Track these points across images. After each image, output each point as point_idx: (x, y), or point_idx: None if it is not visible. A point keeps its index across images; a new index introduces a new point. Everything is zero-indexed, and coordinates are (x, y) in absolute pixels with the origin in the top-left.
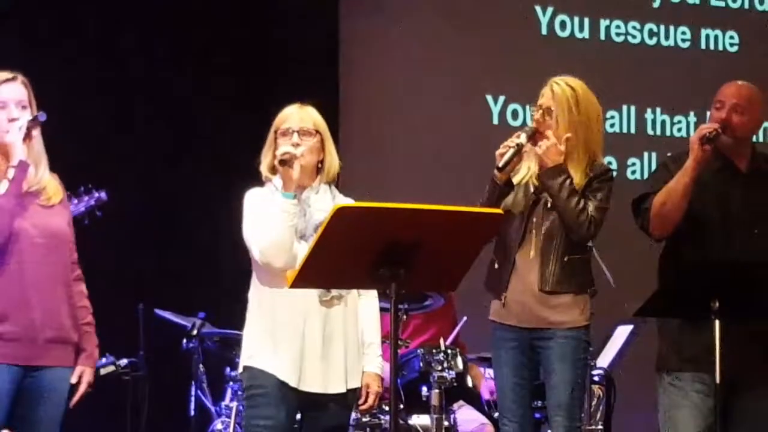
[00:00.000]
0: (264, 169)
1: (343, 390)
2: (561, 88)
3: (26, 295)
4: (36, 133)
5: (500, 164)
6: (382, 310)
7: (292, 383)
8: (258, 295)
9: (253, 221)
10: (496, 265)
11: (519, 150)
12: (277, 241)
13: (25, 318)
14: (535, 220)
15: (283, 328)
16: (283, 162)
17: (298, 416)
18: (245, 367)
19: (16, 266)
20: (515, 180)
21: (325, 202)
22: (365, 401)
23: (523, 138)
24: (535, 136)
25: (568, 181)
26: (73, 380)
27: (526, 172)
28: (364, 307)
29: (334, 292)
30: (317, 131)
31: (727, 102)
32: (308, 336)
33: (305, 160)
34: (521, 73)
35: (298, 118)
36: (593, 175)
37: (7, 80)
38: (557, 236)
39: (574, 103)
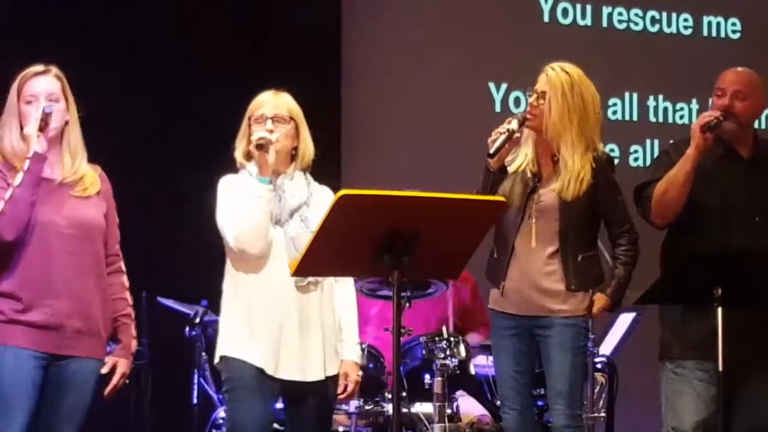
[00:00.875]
0: (238, 155)
1: (321, 377)
2: (555, 73)
3: (54, 285)
4: (72, 124)
5: (491, 150)
6: (384, 297)
7: (269, 371)
8: (233, 283)
9: (228, 208)
10: (495, 254)
11: (510, 136)
12: (252, 227)
13: (52, 307)
14: (534, 208)
15: (260, 316)
16: (259, 147)
17: (279, 405)
18: (222, 357)
19: (43, 256)
20: (512, 167)
21: (299, 188)
22: (344, 390)
23: (514, 124)
24: (525, 122)
25: (619, 283)
26: (105, 370)
27: (522, 159)
28: (341, 294)
29: (311, 278)
30: (291, 118)
31: (729, 89)
32: (285, 323)
33: (280, 145)
34: (523, 61)
35: (272, 104)
36: (598, 170)
37: (38, 74)
38: (571, 233)
39: (569, 87)
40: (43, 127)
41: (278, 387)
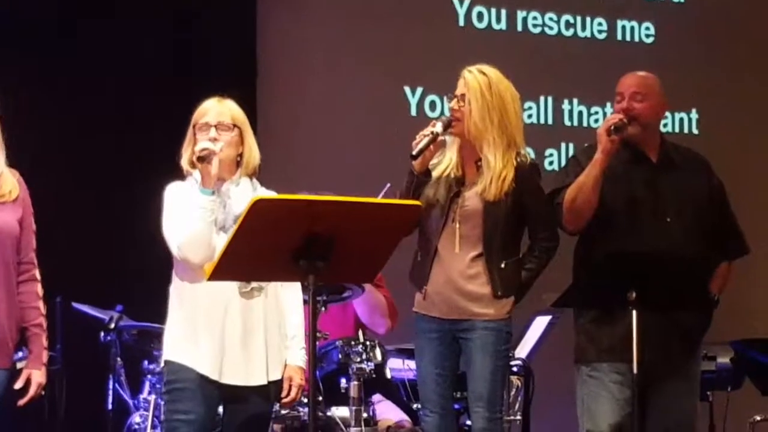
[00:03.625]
0: (184, 163)
1: (264, 382)
2: (473, 75)
3: None
4: None
5: (414, 152)
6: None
7: (213, 376)
8: (178, 289)
9: (172, 216)
10: (419, 257)
11: (434, 139)
12: (194, 237)
13: None
14: (457, 212)
15: (203, 322)
16: (200, 159)
17: (221, 409)
18: (166, 362)
19: None
20: (436, 172)
21: (245, 194)
22: (288, 394)
23: (438, 127)
24: (450, 126)
25: (528, 273)
26: (19, 385)
27: (447, 163)
28: (287, 298)
29: (254, 283)
30: (235, 125)
31: (626, 92)
32: (228, 328)
33: (223, 155)
34: (439, 65)
35: (216, 112)
36: (523, 176)
37: None
38: (495, 238)
39: (486, 87)
40: None
41: (221, 392)
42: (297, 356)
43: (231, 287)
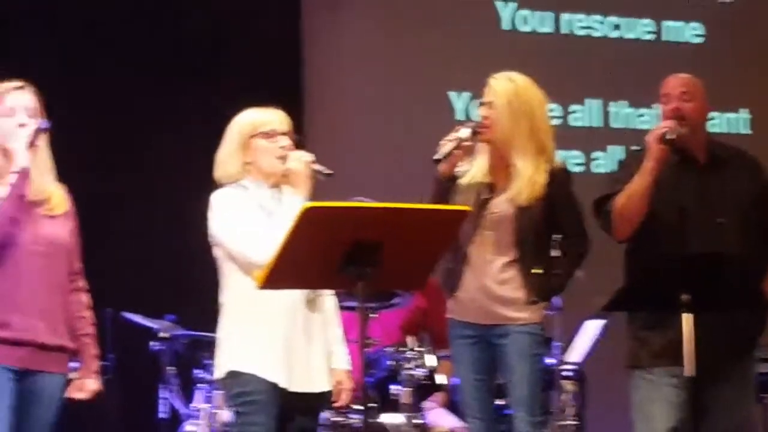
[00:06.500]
0: (232, 169)
1: (327, 388)
2: (499, 82)
3: (24, 302)
4: (42, 142)
5: (436, 156)
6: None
7: (282, 384)
8: (236, 298)
9: (235, 222)
10: (450, 264)
11: (458, 144)
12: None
13: (23, 323)
14: (488, 218)
15: (268, 330)
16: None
17: None
18: (230, 372)
19: (15, 273)
20: (467, 178)
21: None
22: (339, 398)
23: (463, 132)
24: (478, 132)
25: (559, 278)
26: (73, 394)
27: (477, 170)
28: (327, 305)
29: (314, 292)
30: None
31: (673, 92)
32: (293, 337)
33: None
34: (483, 70)
35: (279, 120)
36: (554, 182)
37: (17, 88)
38: (528, 243)
39: (513, 93)
40: (32, 142)
41: (289, 400)
42: (343, 360)
43: (293, 295)
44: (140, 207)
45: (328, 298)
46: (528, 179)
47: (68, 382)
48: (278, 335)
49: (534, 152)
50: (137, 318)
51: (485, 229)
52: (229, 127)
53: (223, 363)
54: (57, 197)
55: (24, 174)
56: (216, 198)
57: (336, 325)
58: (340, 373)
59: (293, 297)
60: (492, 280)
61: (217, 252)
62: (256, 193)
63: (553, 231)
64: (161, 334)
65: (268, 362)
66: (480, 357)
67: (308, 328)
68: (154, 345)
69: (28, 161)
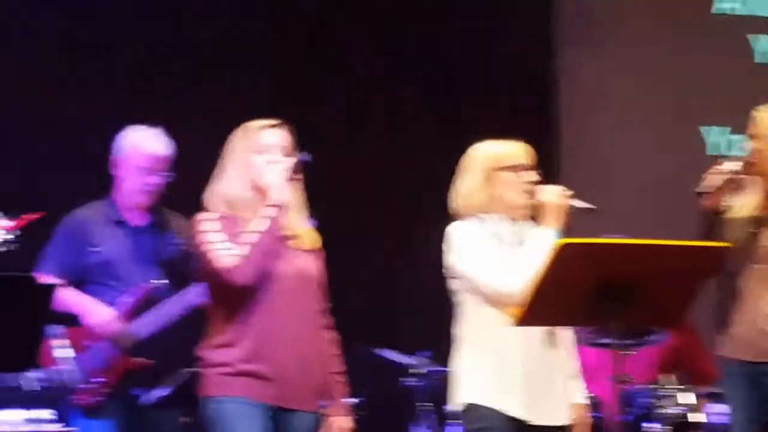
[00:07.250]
0: (474, 202)
1: (567, 422)
2: (764, 114)
3: (279, 337)
4: (299, 176)
5: (698, 189)
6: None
7: (524, 417)
8: (475, 330)
9: (486, 256)
10: (720, 300)
11: (727, 178)
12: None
13: (277, 359)
14: (758, 252)
15: (508, 364)
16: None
17: None
18: (470, 405)
19: (269, 307)
20: (736, 212)
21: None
22: None
23: (734, 165)
24: (749, 166)
25: None
26: None
27: (748, 203)
28: (564, 337)
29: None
30: None
31: None
32: (532, 371)
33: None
34: (735, 103)
35: (526, 153)
36: None
37: (273, 126)
38: None
39: None
40: (291, 176)
41: None
42: (580, 394)
43: (532, 328)
44: (389, 242)
45: (566, 330)
46: None
47: (319, 420)
48: (517, 368)
49: None
50: (390, 354)
51: (756, 263)
52: (468, 159)
53: (460, 395)
54: (308, 236)
55: (281, 208)
56: (454, 230)
57: (571, 357)
58: (578, 408)
59: (532, 329)
60: (764, 316)
61: (455, 284)
62: (492, 225)
63: None
64: (414, 370)
65: (509, 397)
66: (750, 397)
67: (547, 360)
68: (408, 381)
69: (287, 195)
